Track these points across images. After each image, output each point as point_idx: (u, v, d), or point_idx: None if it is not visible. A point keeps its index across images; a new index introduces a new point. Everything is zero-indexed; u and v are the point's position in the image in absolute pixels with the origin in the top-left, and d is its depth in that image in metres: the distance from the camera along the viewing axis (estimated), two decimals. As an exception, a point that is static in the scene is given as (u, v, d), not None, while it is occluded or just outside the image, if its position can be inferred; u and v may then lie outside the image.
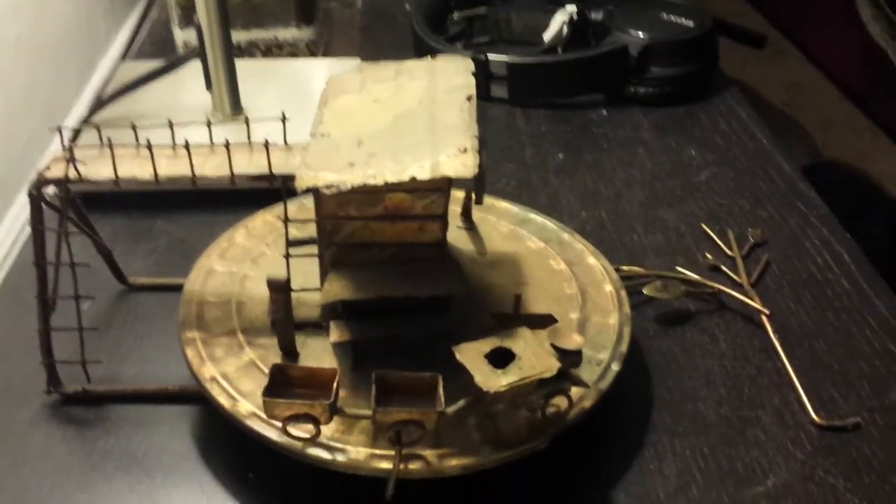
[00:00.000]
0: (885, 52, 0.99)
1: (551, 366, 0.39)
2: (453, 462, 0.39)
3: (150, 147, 0.41)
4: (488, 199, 0.56)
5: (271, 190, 0.53)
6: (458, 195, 0.54)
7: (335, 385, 0.38)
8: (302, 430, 0.39)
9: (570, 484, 0.43)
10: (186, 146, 0.42)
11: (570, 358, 0.39)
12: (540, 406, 0.40)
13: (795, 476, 0.43)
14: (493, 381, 0.38)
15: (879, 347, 0.51)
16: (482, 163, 0.39)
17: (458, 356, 0.39)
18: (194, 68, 0.68)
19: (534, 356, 0.39)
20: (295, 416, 0.38)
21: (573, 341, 0.40)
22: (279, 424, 0.39)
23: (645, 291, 0.53)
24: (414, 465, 0.39)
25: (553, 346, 0.40)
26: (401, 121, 0.41)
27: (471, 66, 0.46)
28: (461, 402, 0.39)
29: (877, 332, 0.52)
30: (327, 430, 0.40)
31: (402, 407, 0.38)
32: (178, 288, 0.49)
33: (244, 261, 0.50)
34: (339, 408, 0.39)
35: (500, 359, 0.39)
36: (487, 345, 0.40)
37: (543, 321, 0.46)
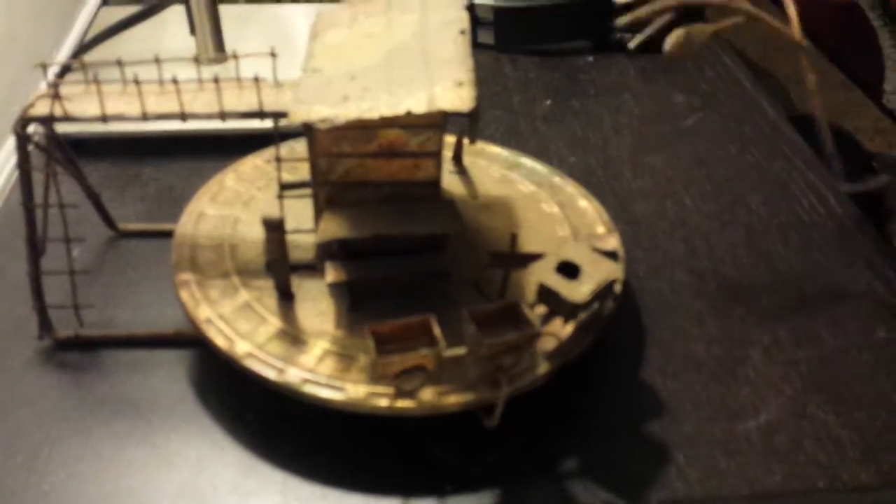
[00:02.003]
0: (856, 4, 0.99)
1: (614, 269, 0.40)
2: (452, 399, 0.40)
3: (137, 83, 0.41)
4: (478, 144, 0.56)
5: (260, 135, 0.53)
6: (448, 140, 0.53)
7: (436, 330, 0.38)
8: (410, 383, 0.39)
9: (564, 422, 0.43)
10: (175, 82, 0.41)
11: (614, 259, 0.41)
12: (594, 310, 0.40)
13: (786, 412, 0.44)
14: (576, 292, 0.39)
15: (866, 286, 0.52)
16: (478, 97, 0.38)
17: (538, 278, 0.40)
18: (177, 13, 0.66)
19: (591, 264, 0.40)
20: (406, 371, 0.38)
21: (610, 243, 0.40)
22: (389, 388, 0.38)
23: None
24: (411, 403, 0.39)
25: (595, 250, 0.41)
26: (394, 55, 0.41)
27: (463, -1, 0.46)
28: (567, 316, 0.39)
29: (863, 272, 0.53)
30: (325, 369, 0.41)
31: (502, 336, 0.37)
32: (168, 234, 0.48)
33: (235, 204, 0.50)
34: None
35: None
36: (552, 261, 0.41)
37: (536, 260, 0.46)
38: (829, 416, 0.44)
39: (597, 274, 0.40)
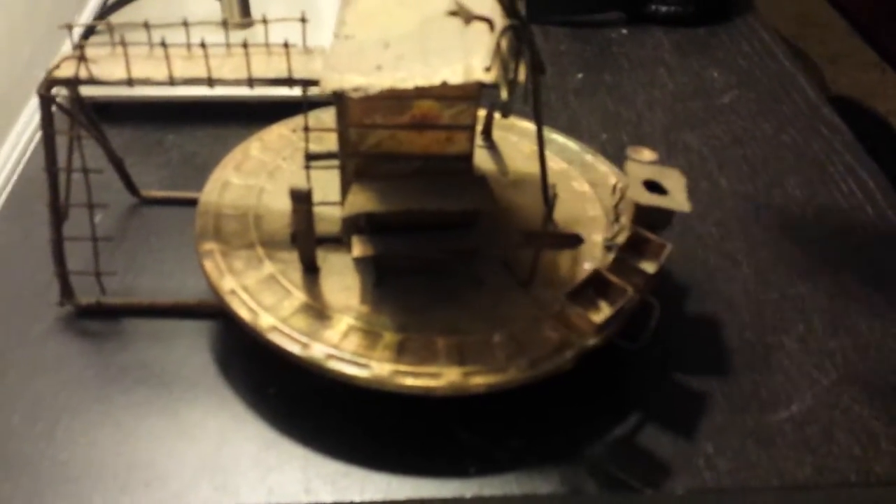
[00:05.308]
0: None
1: (686, 205, 0.43)
2: (478, 380, 0.39)
3: (164, 46, 0.39)
4: (510, 119, 0.54)
5: (285, 103, 0.52)
6: (479, 113, 0.52)
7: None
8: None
9: (593, 407, 0.42)
10: (203, 46, 0.40)
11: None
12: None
13: (820, 402, 0.43)
14: (675, 202, 0.42)
15: (905, 274, 0.50)
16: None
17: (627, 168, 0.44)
18: (201, -25, 0.65)
19: (678, 192, 0.43)
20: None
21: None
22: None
23: None
24: (439, 382, 0.39)
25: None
26: (429, 23, 0.39)
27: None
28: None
29: (902, 260, 0.51)
30: (349, 345, 0.40)
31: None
32: (191, 202, 0.47)
33: (260, 174, 0.48)
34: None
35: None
36: (647, 172, 0.44)
37: (570, 240, 0.45)
38: (863, 408, 0.43)
39: (674, 203, 0.43)
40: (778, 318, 0.48)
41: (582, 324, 0.40)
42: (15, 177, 0.55)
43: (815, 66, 1.30)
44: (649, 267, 0.41)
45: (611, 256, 0.42)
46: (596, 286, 0.41)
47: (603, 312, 0.40)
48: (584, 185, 0.51)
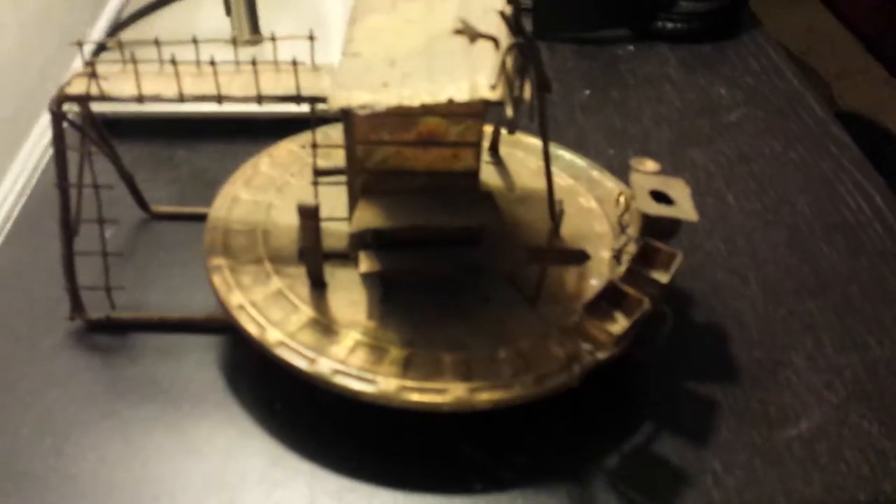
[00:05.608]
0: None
1: (694, 214, 0.43)
2: (484, 396, 0.39)
3: (174, 63, 0.40)
4: (516, 135, 0.55)
5: (294, 119, 0.52)
6: (486, 129, 0.52)
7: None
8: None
9: (599, 424, 0.42)
10: (212, 63, 0.40)
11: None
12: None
13: (829, 420, 0.43)
14: (682, 211, 0.42)
15: (914, 291, 0.50)
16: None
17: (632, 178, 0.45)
18: (212, -7, 0.65)
19: (684, 202, 0.43)
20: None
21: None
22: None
23: None
24: (445, 398, 0.39)
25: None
26: (435, 41, 0.40)
27: (506, -15, 0.44)
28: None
29: (911, 277, 0.51)
30: (356, 360, 0.40)
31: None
32: (201, 217, 0.48)
33: (269, 189, 0.49)
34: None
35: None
36: (652, 182, 0.44)
37: (577, 257, 0.45)
38: (872, 426, 0.43)
39: (682, 213, 0.43)
40: (786, 335, 0.47)
41: (600, 336, 0.40)
42: (27, 192, 0.55)
43: (822, 81, 1.30)
44: (662, 277, 0.41)
45: (621, 268, 0.42)
46: (610, 298, 0.41)
47: (620, 324, 0.39)
48: (591, 202, 0.51)
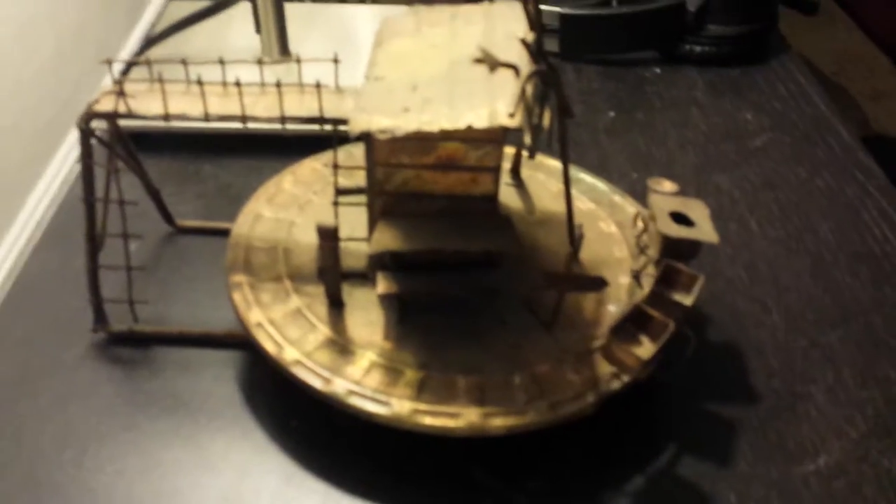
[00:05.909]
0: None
1: (714, 236, 0.43)
2: (497, 422, 0.39)
3: (200, 84, 0.41)
4: (537, 157, 0.55)
5: (319, 136, 0.53)
6: (507, 151, 0.52)
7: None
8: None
9: (614, 452, 0.42)
10: (238, 84, 0.41)
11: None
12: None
13: (848, 456, 0.42)
14: (702, 233, 0.43)
15: (939, 325, 0.49)
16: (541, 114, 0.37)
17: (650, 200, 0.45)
18: (243, 9, 0.67)
19: (704, 223, 0.44)
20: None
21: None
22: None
23: None
24: (458, 423, 0.39)
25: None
26: (457, 67, 0.40)
27: (530, 11, 0.44)
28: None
29: (937, 310, 0.50)
30: (371, 382, 0.40)
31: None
32: (225, 232, 0.48)
33: (291, 207, 0.49)
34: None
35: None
36: (671, 204, 0.45)
37: (594, 283, 0.45)
38: (893, 464, 0.42)
39: (700, 234, 0.43)
40: (807, 367, 0.47)
41: (628, 360, 0.39)
42: (56, 205, 0.56)
43: (854, 103, 1.28)
44: (686, 299, 0.41)
45: (644, 291, 0.42)
46: (635, 321, 0.40)
47: (647, 348, 0.39)
48: (612, 226, 0.51)
